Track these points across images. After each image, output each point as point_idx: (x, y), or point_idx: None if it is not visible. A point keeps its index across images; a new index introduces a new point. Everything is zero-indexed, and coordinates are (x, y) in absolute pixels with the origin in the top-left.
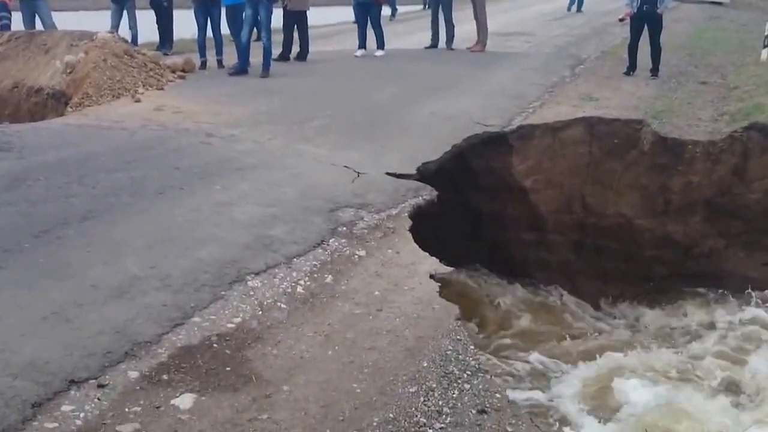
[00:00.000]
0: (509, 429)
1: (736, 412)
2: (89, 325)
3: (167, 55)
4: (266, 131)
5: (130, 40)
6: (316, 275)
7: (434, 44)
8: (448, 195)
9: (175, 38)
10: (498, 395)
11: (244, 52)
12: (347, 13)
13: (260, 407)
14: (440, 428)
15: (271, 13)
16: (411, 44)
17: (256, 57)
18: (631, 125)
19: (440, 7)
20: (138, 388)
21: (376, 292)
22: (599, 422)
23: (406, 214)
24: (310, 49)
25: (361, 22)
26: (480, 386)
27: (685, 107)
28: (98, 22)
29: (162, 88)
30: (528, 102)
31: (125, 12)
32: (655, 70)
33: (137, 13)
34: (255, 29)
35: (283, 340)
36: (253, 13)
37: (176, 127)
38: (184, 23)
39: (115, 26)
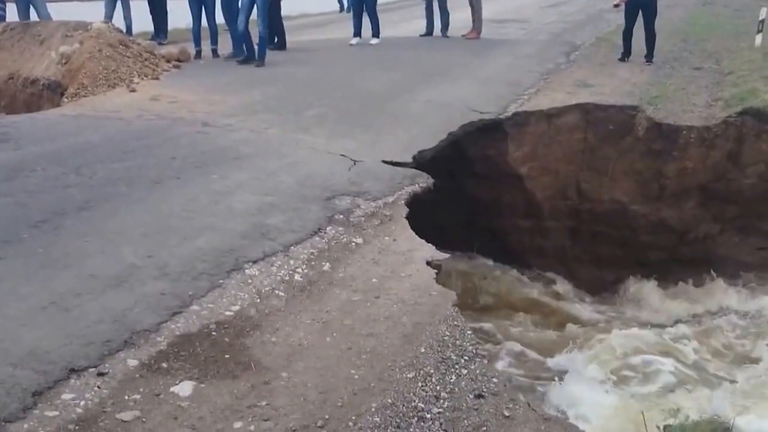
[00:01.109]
0: (506, 413)
1: (730, 396)
2: (88, 315)
3: (162, 44)
4: (262, 120)
5: (124, 30)
6: (313, 263)
7: (429, 32)
8: (445, 182)
9: (169, 28)
10: (495, 380)
11: (247, 41)
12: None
13: (259, 394)
14: (438, 413)
15: (268, 1)
16: (406, 32)
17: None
18: (625, 111)
19: None
20: (137, 376)
21: (374, 279)
22: (596, 405)
23: (402, 202)
24: (306, 37)
25: (357, 10)
26: (477, 371)
27: (679, 93)
28: (93, 12)
29: (157, 78)
30: (523, 89)
31: (119, 2)
32: (649, 56)
33: (131, 2)
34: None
35: (282, 327)
36: (250, 1)
37: (172, 117)
38: (179, 13)
39: (109, 16)
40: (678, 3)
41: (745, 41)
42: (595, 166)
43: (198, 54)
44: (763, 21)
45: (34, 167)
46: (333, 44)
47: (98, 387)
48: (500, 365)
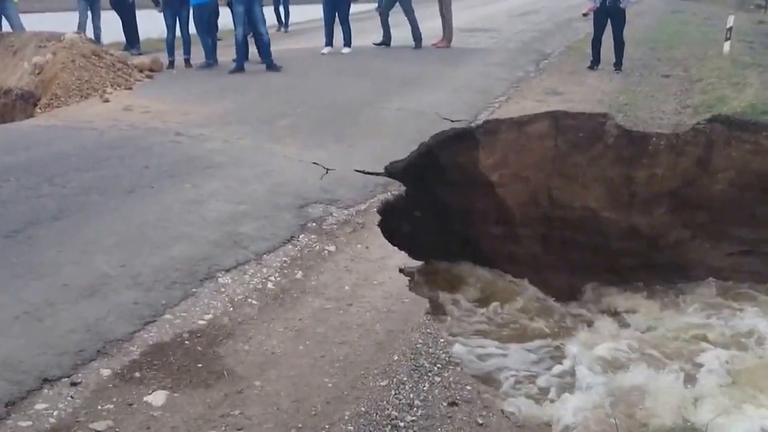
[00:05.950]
0: (480, 421)
1: (705, 402)
2: (62, 324)
3: (141, 54)
4: (235, 130)
5: (94, 39)
6: (286, 271)
7: (386, 42)
8: (417, 190)
9: (142, 38)
10: (468, 387)
11: (244, 51)
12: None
13: (232, 403)
14: (411, 421)
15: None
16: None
17: (223, 56)
18: (595, 119)
19: (397, 4)
20: (110, 385)
21: (346, 287)
22: (569, 411)
23: (375, 210)
24: (278, 47)
25: (328, 19)
26: (450, 379)
27: (648, 100)
28: (65, 23)
29: (130, 88)
30: (494, 97)
31: (90, 11)
32: (618, 64)
33: (102, 13)
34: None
35: (255, 335)
36: (246, 11)
37: (145, 127)
38: (151, 23)
39: (83, 25)
40: (647, 11)
41: (714, 49)
42: (566, 173)
43: (171, 64)
44: (730, 29)
45: (8, 177)
46: (305, 54)
47: (71, 397)
48: (473, 372)
